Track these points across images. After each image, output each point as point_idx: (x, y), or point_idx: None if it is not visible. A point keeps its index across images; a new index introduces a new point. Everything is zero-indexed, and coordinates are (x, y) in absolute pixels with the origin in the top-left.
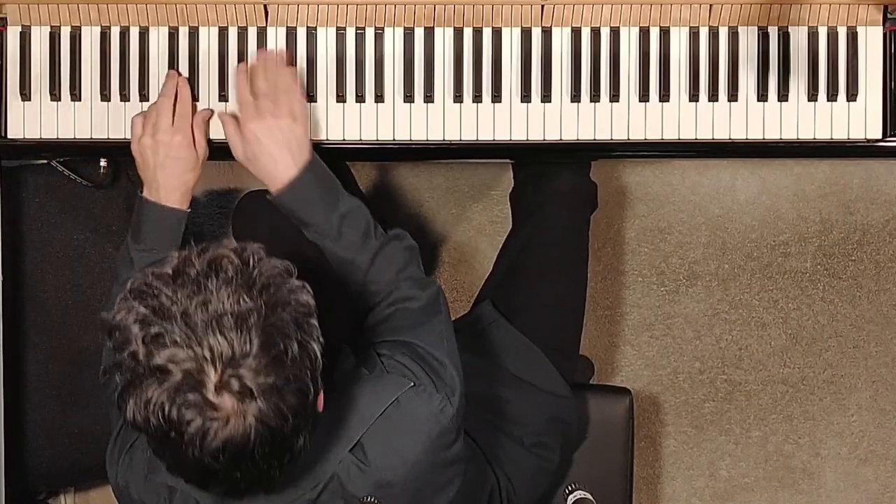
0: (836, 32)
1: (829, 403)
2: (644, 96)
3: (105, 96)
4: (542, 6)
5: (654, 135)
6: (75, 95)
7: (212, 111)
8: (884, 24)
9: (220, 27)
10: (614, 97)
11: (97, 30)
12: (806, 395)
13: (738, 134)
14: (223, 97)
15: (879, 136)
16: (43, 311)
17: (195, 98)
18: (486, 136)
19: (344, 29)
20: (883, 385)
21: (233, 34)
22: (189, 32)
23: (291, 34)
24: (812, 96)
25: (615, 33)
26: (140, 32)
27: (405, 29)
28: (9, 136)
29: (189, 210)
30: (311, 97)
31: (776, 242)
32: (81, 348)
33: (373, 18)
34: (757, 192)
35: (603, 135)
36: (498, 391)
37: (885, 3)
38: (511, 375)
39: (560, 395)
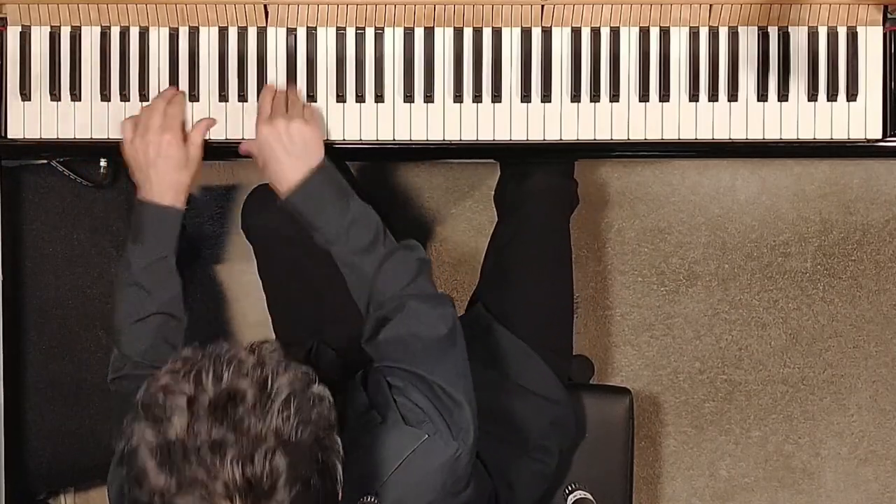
0: (836, 32)
1: (829, 403)
2: (644, 96)
3: (105, 96)
4: (542, 6)
5: (654, 135)
6: (75, 95)
7: (214, 120)
8: (884, 24)
9: (220, 27)
10: (614, 97)
11: (97, 30)
12: (806, 395)
13: (738, 134)
14: (223, 97)
15: (879, 136)
16: (43, 311)
17: (195, 98)
18: (486, 136)
19: (344, 29)
20: (883, 385)
21: (233, 34)
22: (189, 32)
23: (291, 34)
24: (812, 96)
25: (615, 33)
26: (140, 32)
27: (405, 29)
28: (9, 136)
29: (185, 208)
30: (311, 97)
31: (776, 242)
32: (81, 348)
33: (373, 18)
34: (757, 192)
35: (603, 135)
36: (497, 398)
37: (885, 3)
38: (508, 381)
39: (556, 398)
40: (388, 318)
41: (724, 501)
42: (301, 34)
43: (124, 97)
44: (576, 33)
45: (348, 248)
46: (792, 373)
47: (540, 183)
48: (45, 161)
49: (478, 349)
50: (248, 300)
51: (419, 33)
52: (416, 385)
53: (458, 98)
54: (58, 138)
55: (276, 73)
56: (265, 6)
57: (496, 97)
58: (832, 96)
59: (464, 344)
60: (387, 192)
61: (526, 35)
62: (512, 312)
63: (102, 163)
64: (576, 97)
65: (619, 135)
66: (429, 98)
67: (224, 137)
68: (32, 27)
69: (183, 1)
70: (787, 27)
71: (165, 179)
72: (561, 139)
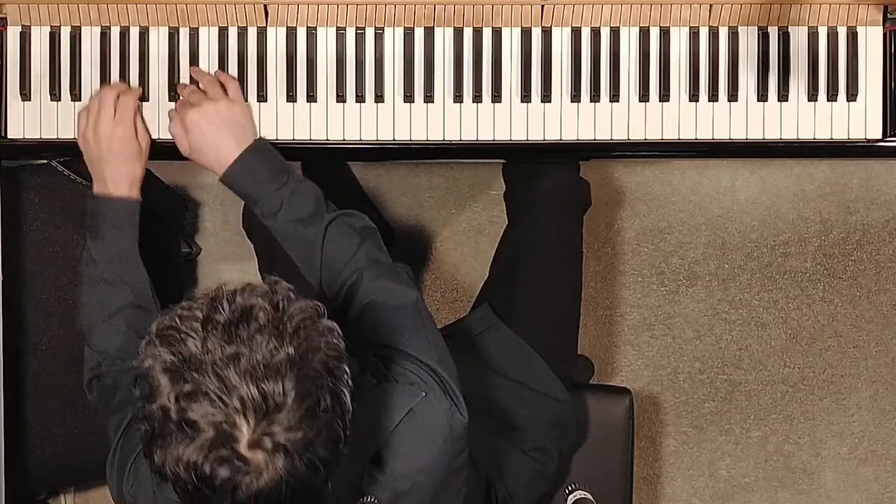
0: (836, 32)
1: (829, 403)
2: (644, 96)
3: None
4: (542, 6)
5: (654, 135)
6: (75, 95)
7: (140, 89)
8: (884, 24)
9: (220, 27)
10: (614, 97)
11: (97, 30)
12: (806, 395)
13: (738, 134)
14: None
15: (879, 136)
16: (43, 311)
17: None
18: (486, 136)
19: (344, 29)
20: (883, 385)
21: (233, 34)
22: (189, 32)
23: (291, 34)
24: (812, 96)
25: (615, 33)
26: (140, 32)
27: (405, 29)
28: (9, 136)
29: (140, 199)
30: (311, 97)
31: (776, 242)
32: (81, 348)
33: (373, 18)
34: (757, 192)
35: (603, 135)
36: (496, 397)
37: (885, 3)
38: (509, 380)
39: (558, 399)
40: (350, 293)
41: (724, 501)
42: (301, 34)
43: None
44: (576, 33)
45: (289, 218)
46: (792, 373)
47: (550, 184)
48: (45, 161)
49: (480, 349)
50: None
51: (419, 33)
52: (402, 357)
53: (458, 98)
54: (58, 138)
55: (276, 73)
56: (265, 6)
57: (496, 97)
58: (832, 96)
59: (429, 314)
60: (387, 192)
61: (526, 35)
62: (518, 313)
63: None
64: (576, 97)
65: (619, 135)
66: (429, 98)
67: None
68: (32, 27)
69: (183, 1)
70: (787, 27)
71: (118, 172)
72: (561, 139)
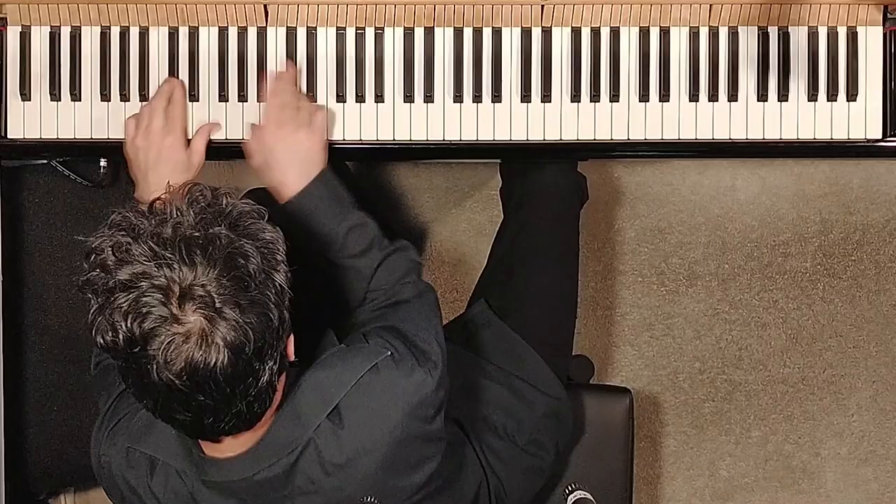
0: (836, 32)
1: (829, 403)
2: (644, 96)
3: (105, 96)
4: (542, 6)
5: (654, 135)
6: (75, 95)
7: (218, 124)
8: (884, 24)
9: (220, 27)
10: (614, 97)
11: (97, 30)
12: (806, 395)
13: (738, 134)
14: (223, 97)
15: (879, 136)
16: (43, 311)
17: (195, 98)
18: (486, 136)
19: (344, 29)
20: (883, 385)
21: (233, 34)
22: (189, 32)
23: (291, 34)
24: (812, 96)
25: (615, 33)
26: (140, 32)
27: (405, 29)
28: (9, 136)
29: None
30: (310, 97)
31: (776, 242)
32: (81, 348)
33: (373, 18)
34: (757, 192)
35: (603, 135)
36: (490, 391)
37: (885, 3)
38: (504, 375)
39: (554, 393)
40: (375, 300)
41: (724, 501)
42: (301, 34)
43: (124, 97)
44: (576, 33)
45: (344, 254)
46: (792, 373)
47: (547, 178)
48: (45, 161)
49: (475, 344)
50: None
51: (419, 33)
52: (389, 332)
53: (458, 98)
54: (58, 138)
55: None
56: (265, 6)
57: (496, 97)
58: (832, 96)
59: (441, 317)
60: (387, 191)
61: (526, 35)
62: (513, 306)
63: (102, 163)
64: (576, 97)
65: (619, 135)
66: (429, 98)
67: (224, 137)
68: (32, 27)
69: (183, 1)
70: (787, 27)
71: (163, 182)
72: (561, 139)
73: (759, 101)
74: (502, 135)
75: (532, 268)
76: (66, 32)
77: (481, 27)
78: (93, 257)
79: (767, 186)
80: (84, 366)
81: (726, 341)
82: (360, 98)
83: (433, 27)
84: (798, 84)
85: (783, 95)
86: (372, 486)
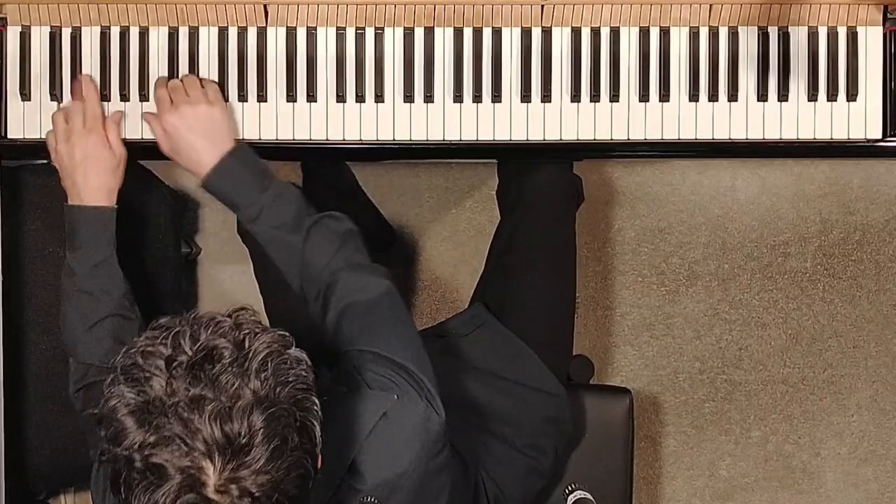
0: (836, 32)
1: (829, 403)
2: (644, 96)
3: (105, 96)
4: (542, 6)
5: (654, 135)
6: None
7: (122, 112)
8: (884, 24)
9: (220, 27)
10: (614, 97)
11: (97, 30)
12: (806, 395)
13: (738, 134)
14: (224, 97)
15: (879, 136)
16: (43, 311)
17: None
18: (486, 136)
19: (344, 29)
20: (883, 385)
21: (233, 34)
22: (189, 32)
23: (291, 34)
24: (812, 96)
25: (615, 33)
26: (140, 32)
27: (405, 29)
28: (9, 136)
29: (115, 207)
30: (311, 97)
31: (776, 242)
32: None
33: (373, 18)
34: (757, 192)
35: (603, 135)
36: (488, 394)
37: (885, 3)
38: (501, 378)
39: (552, 394)
40: (327, 296)
41: (724, 501)
42: (301, 34)
43: (124, 97)
44: (576, 33)
45: (271, 224)
46: (792, 373)
47: (543, 179)
48: (45, 161)
49: (471, 347)
50: (250, 300)
51: (419, 33)
52: (375, 360)
53: (458, 98)
54: None
55: (276, 73)
56: (265, 6)
57: (496, 97)
58: (832, 96)
59: (406, 312)
60: (387, 192)
61: (526, 35)
62: (511, 308)
63: None
64: (576, 97)
65: (619, 135)
66: (429, 98)
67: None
68: (32, 27)
69: (183, 1)
70: (787, 27)
71: (93, 181)
72: (561, 139)
73: (759, 101)
74: (502, 135)
75: (529, 269)
76: (66, 32)
77: (481, 27)
78: (110, 427)
79: (767, 186)
80: None
81: (726, 341)
82: (360, 98)
83: (433, 27)
84: (798, 84)
85: (783, 95)
86: None
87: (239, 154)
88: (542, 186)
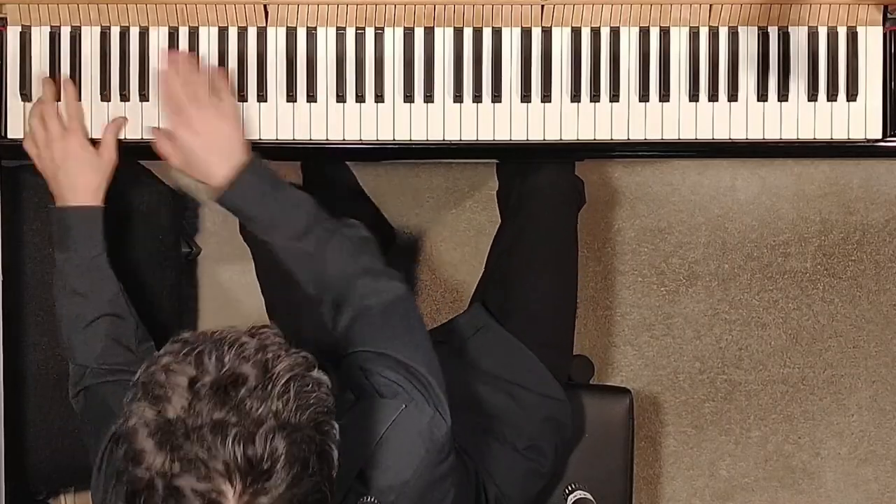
0: (836, 32)
1: (829, 403)
2: (644, 96)
3: (105, 96)
4: (542, 6)
5: (654, 135)
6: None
7: (125, 119)
8: (884, 24)
9: (220, 27)
10: (614, 97)
11: (97, 30)
12: (806, 395)
13: (738, 134)
14: None
15: (879, 136)
16: (43, 311)
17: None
18: (486, 136)
19: (344, 29)
20: (883, 385)
21: (233, 34)
22: (189, 32)
23: (291, 34)
24: (812, 96)
25: (615, 33)
26: (140, 32)
27: (405, 29)
28: (9, 136)
29: (103, 206)
30: (311, 97)
31: (776, 242)
32: None
33: (373, 18)
34: (757, 192)
35: (603, 135)
36: (488, 396)
37: (885, 3)
38: (502, 381)
39: (553, 397)
40: (341, 302)
41: (724, 501)
42: (301, 34)
43: (124, 97)
44: (576, 33)
45: (287, 235)
46: (792, 373)
47: (545, 181)
48: None
49: (472, 350)
50: (250, 300)
51: (419, 33)
52: (386, 363)
53: (458, 98)
54: None
55: (276, 73)
56: (265, 6)
57: (496, 97)
58: (832, 96)
59: (419, 317)
60: (387, 192)
61: (526, 35)
62: (511, 310)
63: None
64: (576, 97)
65: (619, 135)
66: (429, 98)
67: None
68: (32, 27)
69: (183, 1)
70: (787, 27)
71: (78, 182)
72: (561, 139)
73: (759, 101)
74: (502, 135)
75: (530, 271)
76: (66, 32)
77: (481, 27)
78: (128, 447)
79: (767, 186)
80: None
81: (726, 341)
82: (360, 98)
83: (433, 27)
84: (798, 84)
85: (783, 95)
86: None
87: (252, 168)
88: (544, 189)
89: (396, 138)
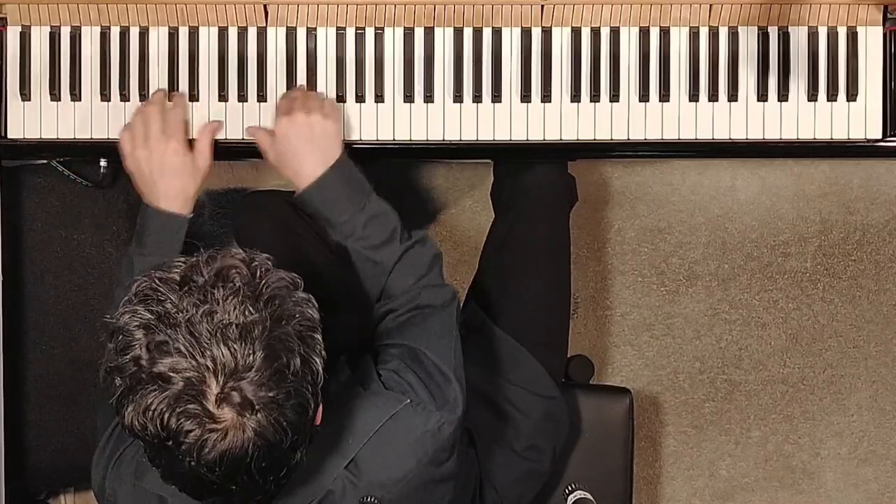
0: (836, 32)
1: (829, 403)
2: (644, 96)
3: (105, 96)
4: (542, 6)
5: (654, 135)
6: (75, 95)
7: (220, 122)
8: (884, 24)
9: (220, 27)
10: (614, 97)
11: (97, 30)
12: (806, 395)
13: (738, 134)
14: (223, 97)
15: (879, 136)
16: (43, 311)
17: (195, 98)
18: (486, 136)
19: (344, 29)
20: (883, 385)
21: (233, 34)
22: (189, 32)
23: (291, 34)
24: (812, 96)
25: (615, 33)
26: (140, 32)
27: (405, 29)
28: (9, 136)
29: (191, 215)
30: None
31: (776, 242)
32: (81, 348)
33: (373, 18)
34: (757, 192)
35: (603, 135)
36: (485, 399)
37: (885, 3)
38: (497, 379)
39: (549, 396)
40: (397, 308)
41: (724, 501)
42: (301, 34)
43: (124, 97)
44: (576, 33)
45: (363, 245)
46: (792, 373)
47: (536, 179)
48: (45, 161)
49: (468, 348)
50: None
51: (419, 33)
52: (405, 360)
53: (458, 98)
54: (58, 138)
55: (276, 73)
56: (265, 6)
57: (496, 97)
58: (832, 96)
59: (458, 333)
60: (386, 192)
61: (526, 35)
62: (505, 308)
63: (102, 163)
64: (576, 97)
65: (619, 135)
66: (429, 98)
67: (224, 137)
68: (32, 27)
69: (183, 1)
70: (787, 27)
71: (172, 188)
72: (561, 139)
73: (759, 101)
74: (502, 135)
75: (522, 269)
76: (66, 32)
77: (481, 27)
78: (119, 338)
79: (767, 186)
80: (84, 366)
81: (726, 341)
82: (360, 98)
83: (433, 27)
84: (798, 84)
85: (783, 95)
86: None
87: (341, 169)
88: (536, 186)
89: (396, 138)
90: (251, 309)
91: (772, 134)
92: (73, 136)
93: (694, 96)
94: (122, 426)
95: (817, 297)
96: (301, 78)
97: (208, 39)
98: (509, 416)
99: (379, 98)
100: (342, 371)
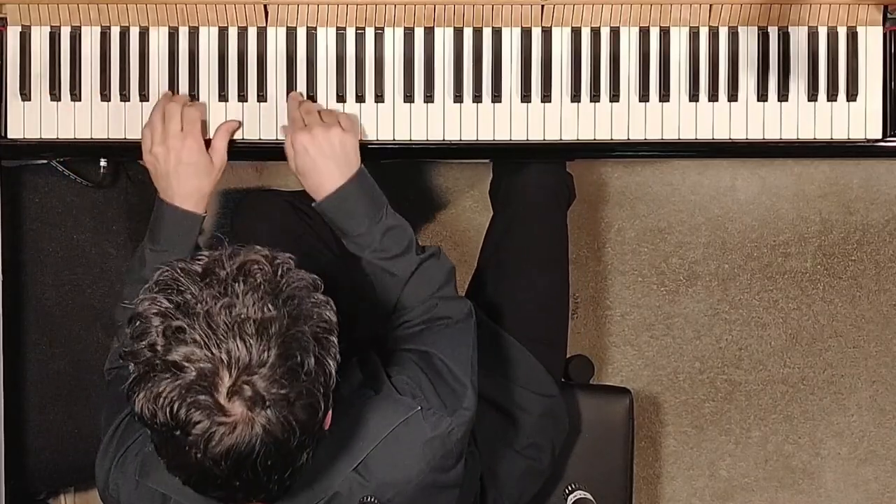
0: (836, 32)
1: (829, 403)
2: (644, 96)
3: (105, 96)
4: (542, 6)
5: (654, 135)
6: (75, 95)
7: (240, 123)
8: (884, 24)
9: (220, 27)
10: (614, 97)
11: (97, 30)
12: (806, 395)
13: (738, 134)
14: (223, 97)
15: (879, 136)
16: (43, 311)
17: (195, 98)
18: (486, 136)
19: (344, 29)
20: (883, 385)
21: (233, 34)
22: (189, 32)
23: (291, 34)
24: (812, 96)
25: (615, 33)
26: (140, 32)
27: (405, 29)
28: (9, 136)
29: (205, 214)
30: (311, 97)
31: (776, 242)
32: (81, 348)
33: (373, 18)
34: (757, 192)
35: (603, 135)
36: (486, 396)
37: (885, 3)
38: (498, 378)
39: (546, 393)
40: (411, 320)
41: (724, 501)
42: (301, 34)
43: (124, 97)
44: (576, 33)
45: (377, 257)
46: (792, 373)
47: (534, 176)
48: (45, 161)
49: None
50: None
51: (419, 33)
52: (418, 363)
53: (458, 98)
54: (58, 138)
55: (276, 73)
56: (265, 6)
57: (496, 97)
58: (832, 96)
59: (476, 335)
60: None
61: (526, 35)
62: (503, 307)
63: (102, 163)
64: (576, 97)
65: (619, 135)
66: (429, 98)
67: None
68: (32, 27)
69: (183, 1)
70: (787, 27)
71: (188, 186)
72: (561, 139)
73: (759, 101)
74: (502, 135)
75: (520, 267)
76: (66, 32)
77: (481, 27)
78: (137, 324)
79: (767, 186)
80: (83, 366)
81: (726, 341)
82: (360, 98)
83: (433, 27)
84: (798, 84)
85: (783, 95)
86: None
87: (358, 183)
88: (533, 184)
89: (396, 138)
90: (270, 306)
91: (772, 134)
92: (73, 136)
93: (694, 96)
94: (131, 413)
95: (817, 297)
96: (301, 78)
97: (208, 39)
98: (509, 415)
99: (379, 98)
100: (354, 375)
